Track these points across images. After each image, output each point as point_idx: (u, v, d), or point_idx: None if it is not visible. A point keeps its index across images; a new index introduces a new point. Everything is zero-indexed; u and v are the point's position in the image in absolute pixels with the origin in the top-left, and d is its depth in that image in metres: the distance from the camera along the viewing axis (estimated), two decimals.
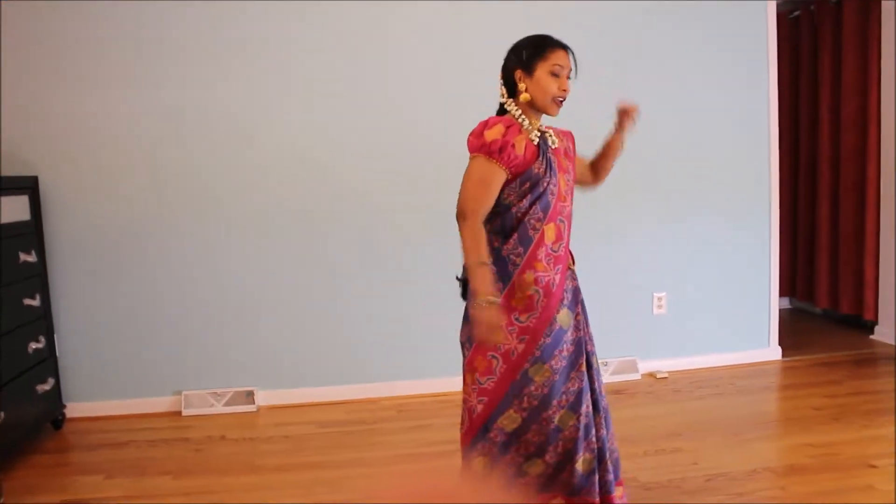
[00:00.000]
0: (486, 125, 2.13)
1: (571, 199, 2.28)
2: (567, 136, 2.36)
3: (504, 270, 2.18)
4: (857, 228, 4.88)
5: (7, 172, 3.68)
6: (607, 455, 2.28)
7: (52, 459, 3.39)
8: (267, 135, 3.85)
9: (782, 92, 5.02)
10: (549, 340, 2.18)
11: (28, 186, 3.59)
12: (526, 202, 2.14)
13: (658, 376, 4.18)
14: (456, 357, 4.11)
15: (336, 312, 3.96)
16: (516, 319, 2.17)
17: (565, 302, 2.23)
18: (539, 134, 2.20)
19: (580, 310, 2.31)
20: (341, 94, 3.88)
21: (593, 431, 2.24)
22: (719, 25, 4.17)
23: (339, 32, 3.85)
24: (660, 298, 4.26)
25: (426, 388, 4.02)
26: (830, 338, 4.88)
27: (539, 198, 2.15)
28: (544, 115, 2.23)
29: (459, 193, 2.15)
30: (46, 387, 3.57)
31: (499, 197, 2.14)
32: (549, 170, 2.16)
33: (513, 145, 2.10)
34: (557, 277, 2.20)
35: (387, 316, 4.02)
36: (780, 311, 4.63)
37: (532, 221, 2.15)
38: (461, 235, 2.12)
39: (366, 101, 3.90)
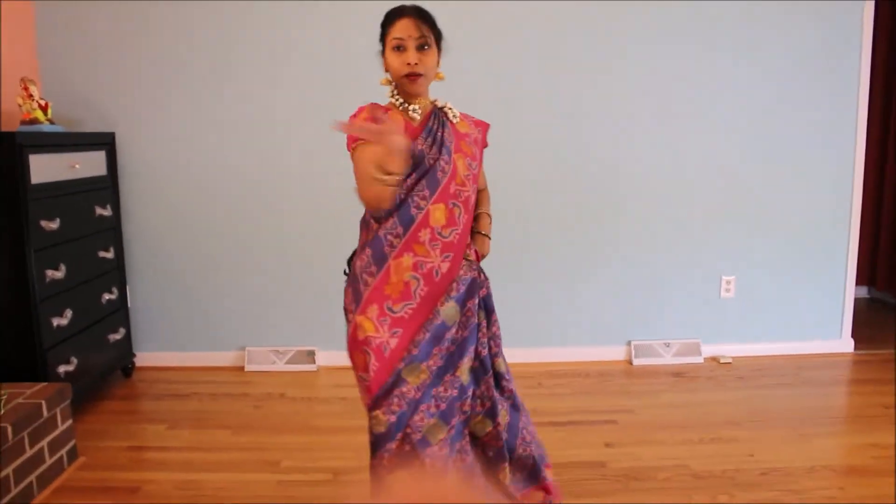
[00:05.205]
0: (352, 118, 1.98)
1: (473, 187, 2.06)
2: (480, 125, 2.18)
3: (380, 252, 1.99)
4: None
5: (86, 128, 3.82)
6: (515, 457, 2.13)
7: (120, 406, 3.56)
8: (344, 91, 3.85)
9: (875, 72, 4.74)
10: (426, 336, 1.97)
11: (106, 143, 3.71)
12: (410, 180, 1.95)
13: (721, 361, 4.08)
14: (517, 327, 4.13)
15: None
16: (388, 309, 1.97)
17: (453, 294, 2.01)
18: (418, 110, 2.02)
19: (475, 307, 2.05)
20: None
21: (464, 444, 2.02)
22: (809, 4, 3.93)
23: None
24: (728, 282, 4.13)
25: None
26: None
27: (425, 174, 1.97)
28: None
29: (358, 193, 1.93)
30: (118, 336, 3.73)
31: None
32: (437, 147, 2.00)
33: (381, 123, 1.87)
34: (445, 266, 1.99)
35: None
36: (857, 300, 4.44)
37: (416, 199, 1.96)
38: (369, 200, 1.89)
39: None
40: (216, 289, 4.02)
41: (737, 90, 3.96)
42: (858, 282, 4.53)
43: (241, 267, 4.00)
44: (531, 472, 2.17)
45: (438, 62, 2.04)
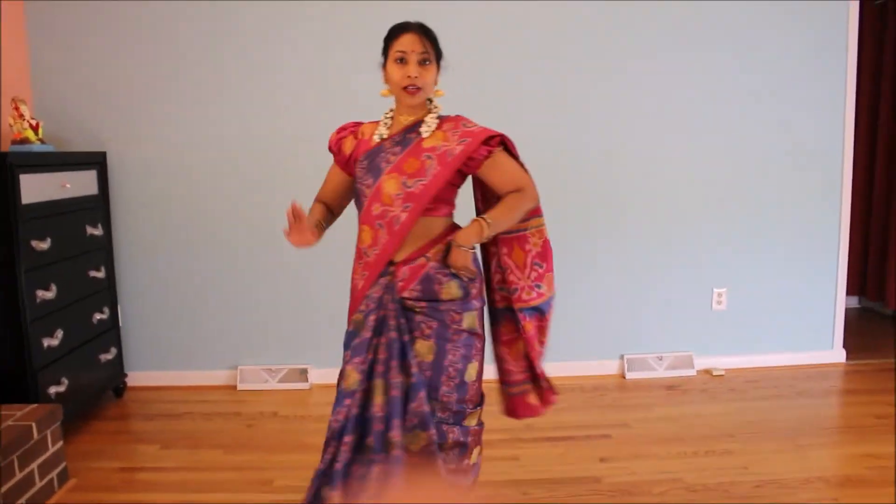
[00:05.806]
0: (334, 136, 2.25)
1: (408, 206, 2.01)
2: (467, 136, 2.04)
3: None
4: None
5: (77, 148, 3.81)
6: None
7: (112, 426, 3.53)
8: (331, 108, 3.86)
9: (862, 82, 4.79)
10: (346, 340, 2.15)
11: (96, 162, 3.71)
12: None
13: (714, 374, 4.09)
14: None
15: None
16: None
17: (362, 308, 2.10)
18: (384, 134, 2.11)
19: (373, 321, 2.07)
20: None
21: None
22: (797, 9, 3.97)
23: None
24: (720, 294, 4.14)
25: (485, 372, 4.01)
26: None
27: (356, 198, 2.17)
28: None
29: None
30: (109, 356, 3.71)
31: None
32: (369, 170, 2.08)
33: (339, 147, 2.20)
34: (361, 282, 2.14)
35: None
36: (847, 310, 4.45)
37: (358, 222, 2.17)
38: None
39: None
40: (208, 307, 4.01)
41: (726, 102, 3.99)
42: (849, 292, 4.55)
43: (232, 285, 3.99)
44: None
45: (437, 80, 2.10)
